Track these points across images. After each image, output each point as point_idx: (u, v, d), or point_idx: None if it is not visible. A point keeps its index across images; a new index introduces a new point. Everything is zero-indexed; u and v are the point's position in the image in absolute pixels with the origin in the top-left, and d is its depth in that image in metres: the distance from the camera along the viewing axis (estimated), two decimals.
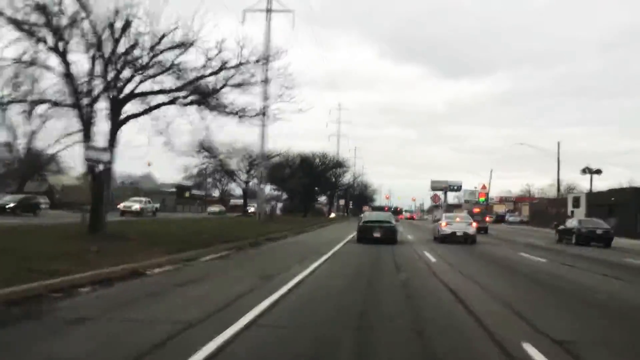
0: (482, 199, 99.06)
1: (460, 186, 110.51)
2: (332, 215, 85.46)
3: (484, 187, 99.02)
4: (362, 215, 30.00)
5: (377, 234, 22.28)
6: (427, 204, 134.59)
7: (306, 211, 65.62)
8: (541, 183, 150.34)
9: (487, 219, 45.42)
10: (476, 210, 50.50)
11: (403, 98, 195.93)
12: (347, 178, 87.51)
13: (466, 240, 24.34)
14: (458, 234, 24.57)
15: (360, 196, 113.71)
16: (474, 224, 26.12)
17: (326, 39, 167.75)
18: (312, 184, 65.71)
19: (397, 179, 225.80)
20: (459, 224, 25.24)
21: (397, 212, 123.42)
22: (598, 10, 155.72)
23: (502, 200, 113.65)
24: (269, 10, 40.37)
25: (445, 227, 25.02)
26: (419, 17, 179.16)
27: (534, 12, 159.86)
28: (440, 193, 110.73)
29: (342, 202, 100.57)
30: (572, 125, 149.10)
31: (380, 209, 75.46)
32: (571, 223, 30.53)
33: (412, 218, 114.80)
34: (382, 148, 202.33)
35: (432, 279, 11.22)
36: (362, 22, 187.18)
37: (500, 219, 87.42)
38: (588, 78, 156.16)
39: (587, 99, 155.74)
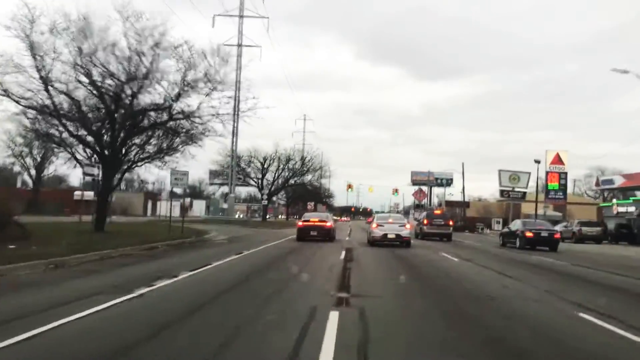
0: (552, 185, 50.47)
1: (451, 179, 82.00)
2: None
3: (556, 159, 49.93)
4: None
5: (314, 233, 25.33)
6: (407, 202, 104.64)
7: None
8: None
9: (451, 222, 35.16)
10: (437, 212, 39.87)
11: (379, 99, 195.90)
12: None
13: (401, 243, 23.35)
14: (390, 236, 23.37)
15: (312, 191, 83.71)
16: (408, 226, 24.82)
17: (303, 39, 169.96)
18: None
19: (372, 181, 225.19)
20: (392, 225, 23.98)
21: (360, 213, 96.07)
22: (574, 15, 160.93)
23: None
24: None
25: (376, 229, 23.92)
26: (396, 19, 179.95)
27: (512, 16, 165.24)
28: (425, 188, 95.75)
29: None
30: (543, 129, 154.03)
31: (347, 209, 60.71)
32: (514, 225, 28.28)
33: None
34: (356, 149, 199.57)
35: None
36: (340, 22, 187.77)
37: None
38: (561, 83, 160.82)
39: (559, 104, 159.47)
